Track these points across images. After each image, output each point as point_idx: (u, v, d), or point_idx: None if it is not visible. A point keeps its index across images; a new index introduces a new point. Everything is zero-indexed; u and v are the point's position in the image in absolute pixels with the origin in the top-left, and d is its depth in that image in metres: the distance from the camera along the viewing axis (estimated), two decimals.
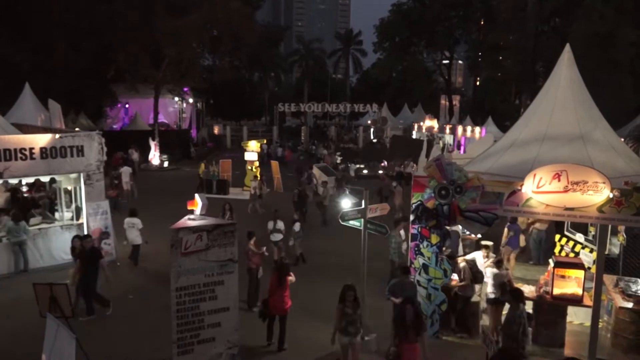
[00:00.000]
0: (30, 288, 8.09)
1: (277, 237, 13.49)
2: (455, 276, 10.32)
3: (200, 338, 7.72)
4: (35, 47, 29.02)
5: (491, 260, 10.09)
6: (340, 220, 9.72)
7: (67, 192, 14.82)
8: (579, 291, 9.10)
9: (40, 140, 12.96)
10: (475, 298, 9.98)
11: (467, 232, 12.60)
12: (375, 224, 9.64)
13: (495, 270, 9.59)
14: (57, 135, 13.27)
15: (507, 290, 8.89)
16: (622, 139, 14.39)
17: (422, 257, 9.59)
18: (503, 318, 8.81)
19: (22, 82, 23.88)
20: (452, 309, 9.80)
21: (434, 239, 9.49)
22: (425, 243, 9.55)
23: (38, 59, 28.58)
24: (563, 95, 10.73)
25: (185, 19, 31.74)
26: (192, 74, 36.41)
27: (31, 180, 14.90)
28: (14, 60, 26.94)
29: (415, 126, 44.04)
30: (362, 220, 9.49)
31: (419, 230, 9.57)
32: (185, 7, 33.03)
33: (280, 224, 13.51)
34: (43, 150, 12.86)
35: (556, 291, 9.14)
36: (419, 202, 9.40)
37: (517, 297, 8.00)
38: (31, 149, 12.71)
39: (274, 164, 26.03)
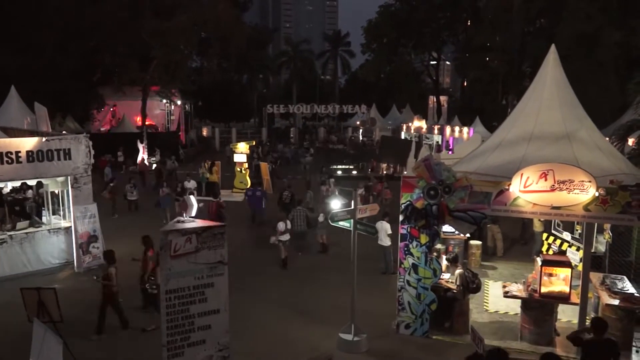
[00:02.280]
0: (17, 292, 8.03)
1: (285, 237, 14.11)
2: (445, 275, 10.43)
3: (191, 341, 7.68)
4: (22, 49, 28.70)
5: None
6: (330, 221, 9.75)
7: (55, 195, 14.68)
8: (566, 289, 9.19)
9: (27, 143, 12.83)
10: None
11: (456, 232, 12.71)
12: (365, 224, 9.67)
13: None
14: (44, 139, 13.14)
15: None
16: (607, 138, 14.58)
17: (412, 256, 9.64)
18: None
19: (8, 84, 23.62)
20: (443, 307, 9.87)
21: (423, 238, 9.55)
22: (414, 243, 9.60)
23: (25, 61, 28.26)
24: (549, 95, 10.85)
25: (173, 21, 31.60)
26: (181, 76, 36.28)
27: (17, 183, 14.75)
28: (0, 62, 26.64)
29: (404, 127, 44.19)
30: (352, 221, 9.51)
31: (409, 230, 9.62)
32: (173, 8, 32.88)
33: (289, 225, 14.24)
34: (30, 153, 12.73)
35: (544, 289, 9.23)
36: (408, 203, 9.47)
37: None
38: (17, 152, 12.58)
39: (264, 166, 26.07)
